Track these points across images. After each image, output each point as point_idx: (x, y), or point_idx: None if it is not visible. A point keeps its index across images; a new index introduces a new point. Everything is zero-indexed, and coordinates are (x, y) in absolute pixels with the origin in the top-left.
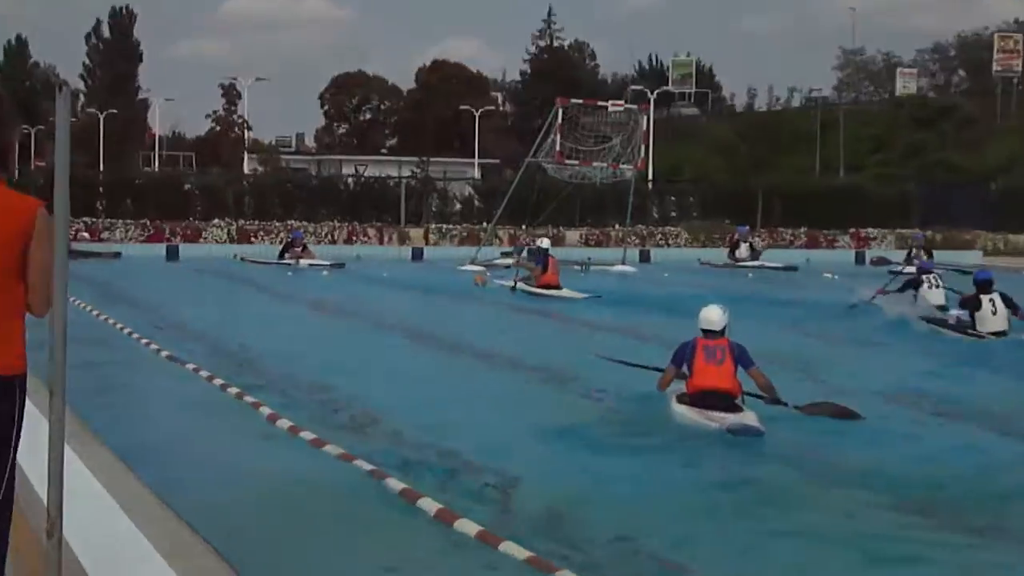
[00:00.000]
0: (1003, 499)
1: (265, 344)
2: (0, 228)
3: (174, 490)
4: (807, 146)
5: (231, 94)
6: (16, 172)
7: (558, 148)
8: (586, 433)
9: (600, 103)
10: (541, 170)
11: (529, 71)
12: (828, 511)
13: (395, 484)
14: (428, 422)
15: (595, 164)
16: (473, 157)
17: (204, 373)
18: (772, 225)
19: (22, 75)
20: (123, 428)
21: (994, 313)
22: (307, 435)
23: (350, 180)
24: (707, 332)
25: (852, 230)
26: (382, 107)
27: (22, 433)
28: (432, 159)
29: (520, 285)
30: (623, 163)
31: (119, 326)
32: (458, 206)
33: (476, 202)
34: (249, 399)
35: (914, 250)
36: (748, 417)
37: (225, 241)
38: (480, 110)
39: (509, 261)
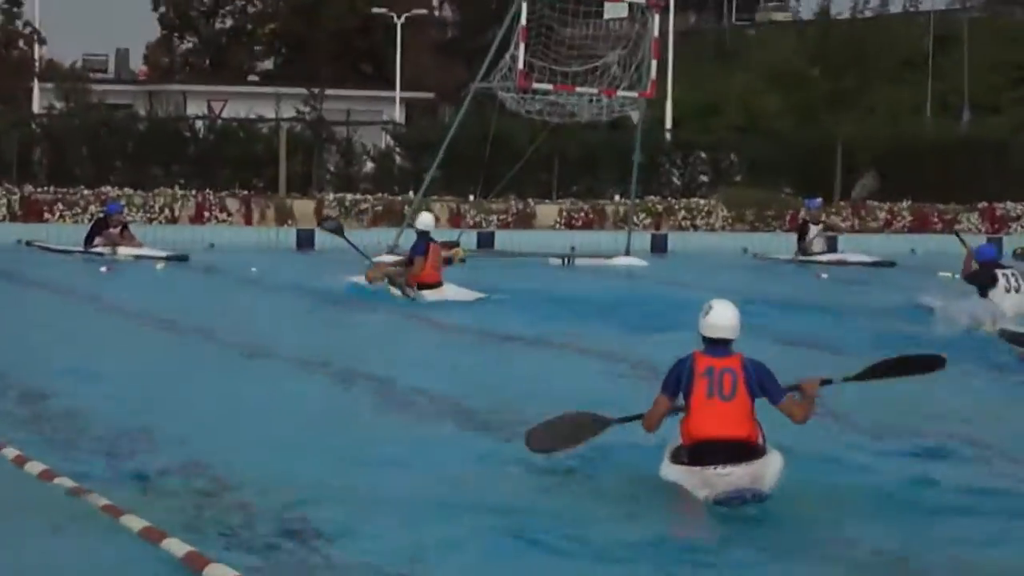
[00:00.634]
0: None
1: (57, 383)
2: None
3: None
4: (914, 75)
5: None
6: None
7: (521, 65)
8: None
9: None
10: (497, 105)
11: None
12: None
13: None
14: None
15: (580, 91)
16: (393, 89)
17: None
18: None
19: None
20: None
21: None
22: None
23: (200, 124)
24: (712, 344)
25: (982, 204)
26: (250, 9)
27: None
28: (328, 92)
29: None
30: (622, 89)
31: None
32: (369, 165)
33: (397, 159)
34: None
35: None
36: (764, 468)
37: (3, 219)
38: (404, 15)
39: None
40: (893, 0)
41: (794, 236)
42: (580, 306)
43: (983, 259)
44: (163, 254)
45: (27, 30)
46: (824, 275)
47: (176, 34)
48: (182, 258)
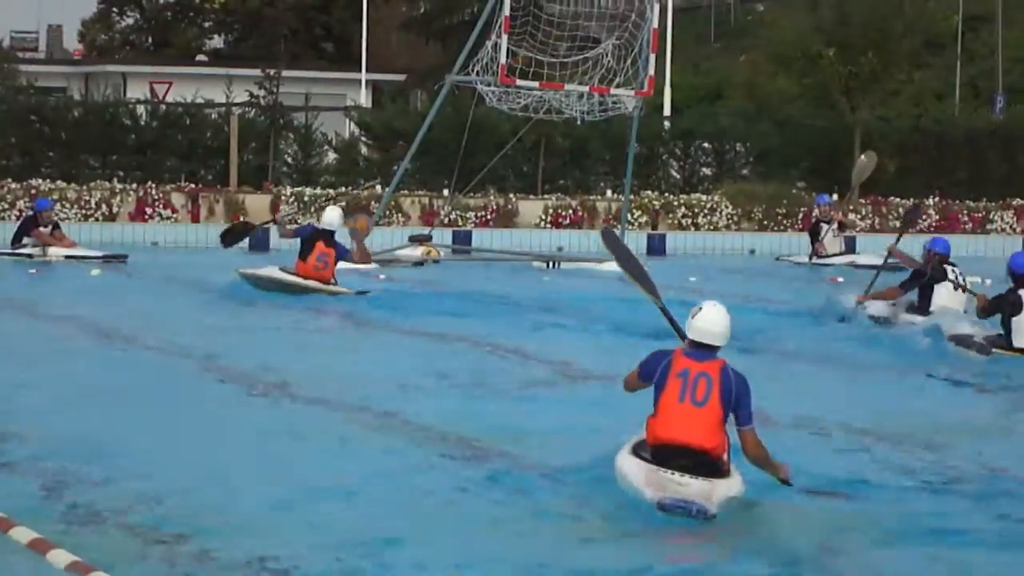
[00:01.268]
0: None
1: None
2: None
3: None
4: (941, 57)
5: None
6: None
7: (503, 57)
8: None
9: None
10: (475, 97)
11: None
12: None
13: None
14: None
15: (569, 87)
16: (358, 71)
17: None
18: (878, 192)
19: None
20: None
21: None
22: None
23: (141, 109)
24: (696, 347)
25: (1017, 202)
26: None
27: None
28: (285, 73)
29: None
30: (617, 85)
31: None
32: (332, 156)
33: (364, 149)
34: None
35: None
36: (722, 490)
37: None
38: None
39: (416, 254)
40: None
41: (809, 236)
42: (563, 315)
43: (936, 252)
44: (99, 255)
45: None
46: (840, 279)
47: (115, 9)
48: (119, 258)
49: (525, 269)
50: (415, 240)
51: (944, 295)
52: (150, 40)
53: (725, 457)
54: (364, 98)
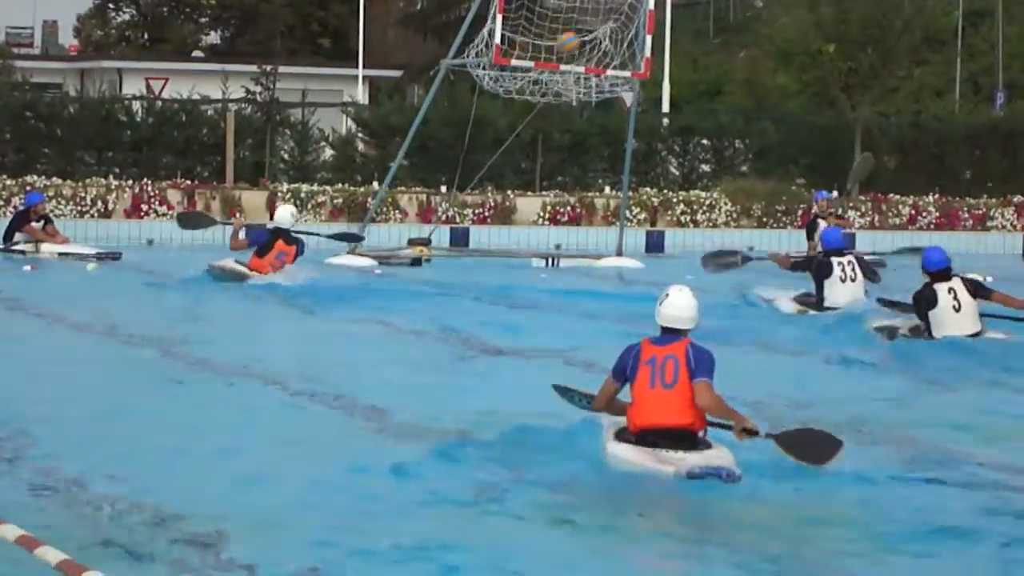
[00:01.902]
0: None
1: None
2: None
3: None
4: (941, 53)
5: None
6: None
7: (499, 40)
8: None
9: None
10: (477, 88)
11: None
12: None
13: None
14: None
15: (564, 69)
16: (355, 67)
17: None
18: (877, 190)
19: None
20: None
21: (957, 309)
22: None
23: (137, 105)
24: (665, 332)
25: (1018, 199)
26: None
27: None
28: (282, 69)
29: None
30: (613, 68)
31: None
32: (329, 152)
33: (360, 145)
34: None
35: None
36: (718, 457)
37: None
38: None
39: (410, 252)
40: None
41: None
42: (561, 314)
43: (828, 245)
44: (94, 251)
45: None
46: None
47: (111, 4)
48: (115, 256)
49: (523, 266)
50: (414, 243)
51: (838, 289)
52: (146, 36)
53: (702, 434)
54: (361, 94)
